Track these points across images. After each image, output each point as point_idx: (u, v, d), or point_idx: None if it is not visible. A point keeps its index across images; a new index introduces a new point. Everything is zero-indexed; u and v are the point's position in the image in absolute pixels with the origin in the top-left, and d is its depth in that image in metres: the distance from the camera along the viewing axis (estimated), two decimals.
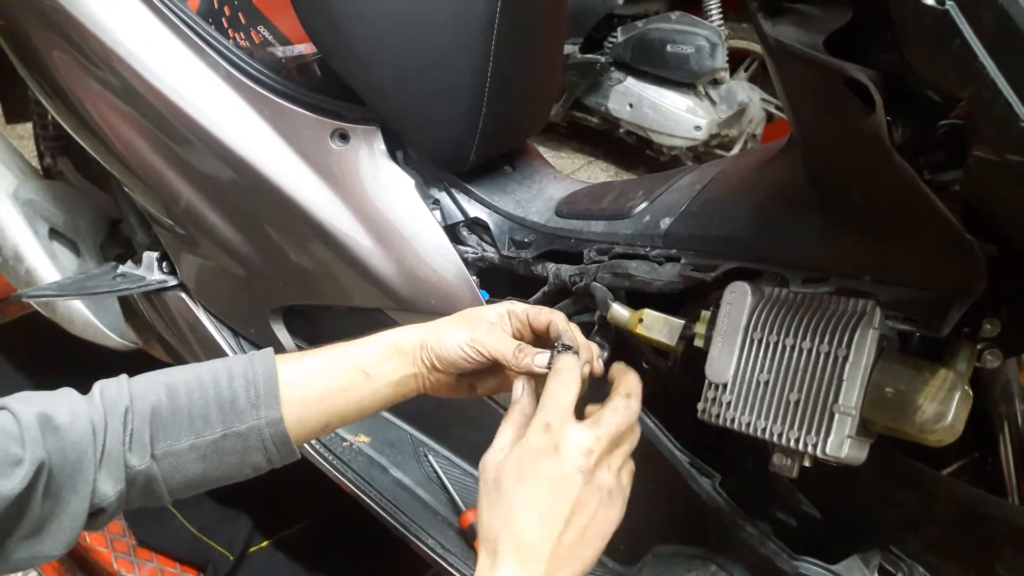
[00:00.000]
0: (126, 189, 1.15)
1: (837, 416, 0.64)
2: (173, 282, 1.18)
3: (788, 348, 0.68)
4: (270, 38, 1.03)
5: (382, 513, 1.04)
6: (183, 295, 1.18)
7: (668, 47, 2.67)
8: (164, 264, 1.18)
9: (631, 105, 2.82)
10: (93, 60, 1.00)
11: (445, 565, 0.99)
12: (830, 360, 0.65)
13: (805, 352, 0.67)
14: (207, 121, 0.98)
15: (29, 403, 0.57)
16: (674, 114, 2.74)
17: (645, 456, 0.86)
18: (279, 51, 1.03)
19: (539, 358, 0.70)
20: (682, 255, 0.80)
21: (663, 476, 0.86)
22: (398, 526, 1.03)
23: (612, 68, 2.86)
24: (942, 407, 0.60)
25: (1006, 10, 0.43)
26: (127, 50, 0.98)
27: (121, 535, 1.38)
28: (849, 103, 0.55)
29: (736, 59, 2.87)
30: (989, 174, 0.49)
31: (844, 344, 0.64)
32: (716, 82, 2.76)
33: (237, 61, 0.98)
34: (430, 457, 1.11)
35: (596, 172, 3.15)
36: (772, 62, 0.62)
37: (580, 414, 0.66)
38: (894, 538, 0.72)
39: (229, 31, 1.04)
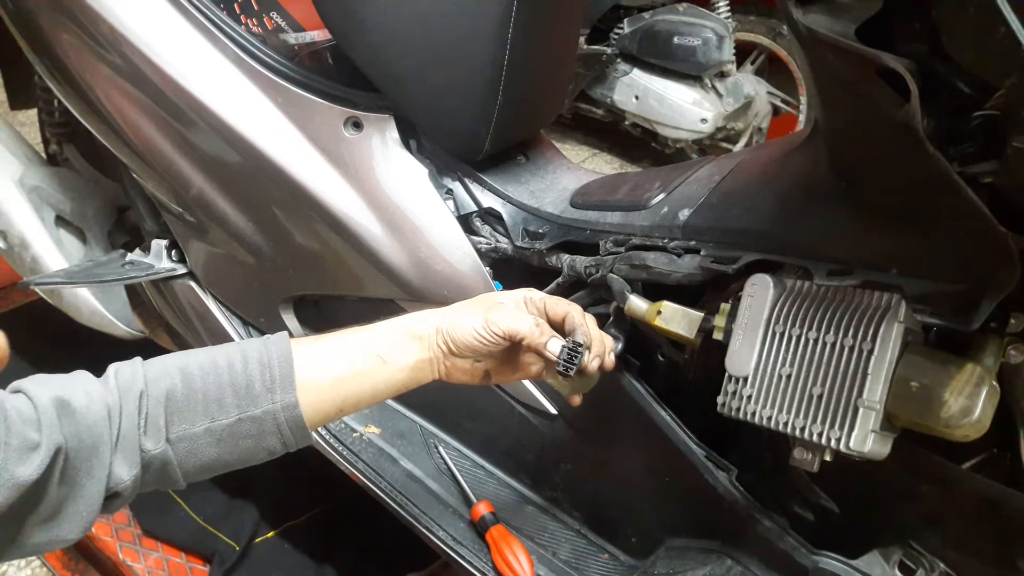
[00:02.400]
0: (135, 176, 1.14)
1: (861, 410, 0.63)
2: (182, 270, 1.17)
3: (811, 341, 0.68)
4: (283, 24, 1.01)
5: (392, 504, 1.03)
6: (192, 284, 1.17)
7: (675, 39, 2.65)
8: (173, 252, 1.17)
9: (637, 97, 2.81)
10: (103, 44, 0.99)
11: (455, 556, 0.98)
12: (854, 354, 0.65)
13: (829, 346, 0.66)
14: (219, 108, 0.97)
15: (45, 386, 0.57)
16: (680, 106, 2.72)
17: (660, 449, 0.86)
18: (292, 37, 1.02)
19: (553, 343, 0.71)
20: (702, 247, 0.80)
21: (678, 469, 0.85)
22: (408, 517, 1.02)
23: (618, 59, 2.85)
24: (969, 402, 0.60)
25: None
26: (138, 35, 0.97)
27: (126, 524, 1.38)
28: (882, 93, 0.54)
29: (743, 52, 2.85)
30: None
31: (869, 338, 0.64)
32: (723, 75, 2.74)
33: (249, 47, 0.97)
34: (440, 448, 1.10)
35: (601, 164, 3.14)
36: (802, 51, 0.61)
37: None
38: (915, 533, 0.72)
39: (241, 17, 1.03)
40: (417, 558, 1.28)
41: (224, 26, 0.97)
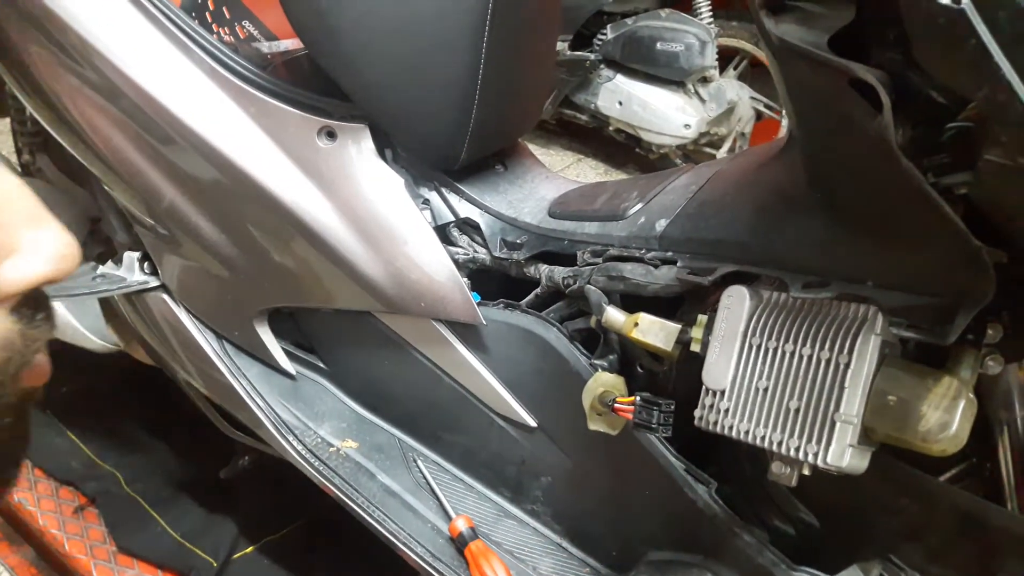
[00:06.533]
0: (106, 188, 1.12)
1: (838, 425, 0.62)
2: (154, 283, 1.14)
3: (788, 354, 0.67)
4: (255, 33, 1.00)
5: (370, 520, 1.02)
6: (165, 296, 1.15)
7: (658, 45, 2.65)
8: (145, 265, 1.15)
9: (620, 103, 2.81)
10: (72, 56, 0.97)
11: (435, 573, 0.97)
12: (831, 367, 0.64)
13: (805, 359, 0.65)
14: (190, 118, 0.95)
15: None
16: (663, 112, 2.72)
17: (640, 462, 0.85)
18: (265, 46, 1.01)
19: None
20: (678, 258, 0.79)
21: (658, 482, 0.84)
22: (386, 533, 1.01)
23: (602, 65, 2.84)
24: (946, 415, 0.59)
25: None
26: (107, 45, 0.95)
27: (101, 542, 1.35)
28: (855, 104, 0.54)
29: (725, 57, 2.86)
30: (1001, 178, 0.48)
31: (845, 351, 0.63)
32: (705, 80, 2.75)
33: (221, 57, 0.95)
34: (419, 462, 1.09)
35: (585, 170, 3.13)
36: (774, 61, 0.60)
37: None
38: (894, 547, 0.71)
39: (213, 26, 1.01)
40: (397, 573, 1.27)
41: (195, 35, 0.95)
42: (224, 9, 1.00)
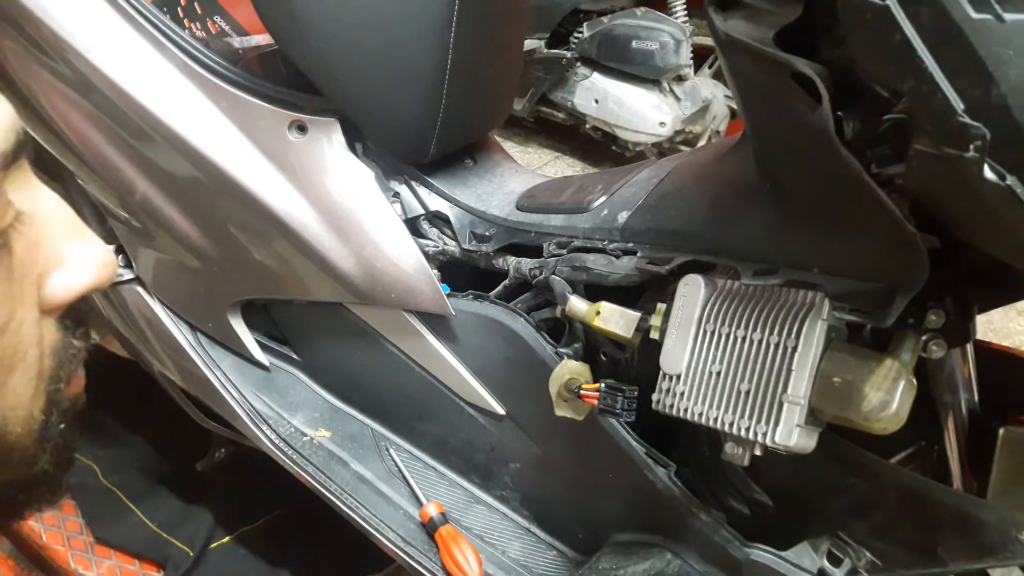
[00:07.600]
0: (80, 182, 1.13)
1: (786, 406, 0.65)
2: (129, 276, 1.16)
3: (739, 339, 0.69)
4: (227, 28, 1.01)
5: (343, 507, 1.04)
6: (139, 289, 1.16)
7: (633, 43, 2.68)
8: (120, 258, 1.16)
9: (597, 101, 2.83)
10: (45, 51, 0.98)
11: (406, 558, 0.99)
12: (780, 351, 0.66)
13: (755, 343, 0.68)
14: (162, 112, 0.97)
15: None
16: (639, 110, 2.75)
17: (602, 446, 0.88)
18: (236, 41, 1.02)
19: None
20: (638, 248, 0.81)
21: (620, 466, 0.87)
22: (359, 520, 1.03)
23: (578, 63, 2.87)
24: (887, 396, 0.62)
25: (944, 5, 0.44)
26: (80, 41, 0.96)
27: (78, 532, 1.36)
28: (796, 97, 0.56)
29: (700, 56, 2.89)
30: (928, 167, 0.50)
31: (793, 335, 0.66)
32: (680, 78, 2.78)
33: (193, 51, 0.96)
34: (391, 451, 1.11)
35: (563, 167, 3.16)
36: (723, 56, 0.63)
37: None
38: (842, 524, 0.74)
39: (185, 21, 1.02)
40: (375, 561, 1.28)
41: (167, 30, 0.96)
42: (196, 5, 1.01)
